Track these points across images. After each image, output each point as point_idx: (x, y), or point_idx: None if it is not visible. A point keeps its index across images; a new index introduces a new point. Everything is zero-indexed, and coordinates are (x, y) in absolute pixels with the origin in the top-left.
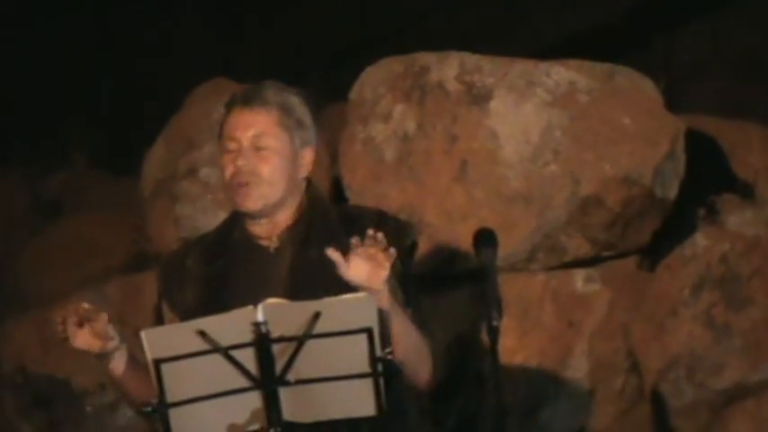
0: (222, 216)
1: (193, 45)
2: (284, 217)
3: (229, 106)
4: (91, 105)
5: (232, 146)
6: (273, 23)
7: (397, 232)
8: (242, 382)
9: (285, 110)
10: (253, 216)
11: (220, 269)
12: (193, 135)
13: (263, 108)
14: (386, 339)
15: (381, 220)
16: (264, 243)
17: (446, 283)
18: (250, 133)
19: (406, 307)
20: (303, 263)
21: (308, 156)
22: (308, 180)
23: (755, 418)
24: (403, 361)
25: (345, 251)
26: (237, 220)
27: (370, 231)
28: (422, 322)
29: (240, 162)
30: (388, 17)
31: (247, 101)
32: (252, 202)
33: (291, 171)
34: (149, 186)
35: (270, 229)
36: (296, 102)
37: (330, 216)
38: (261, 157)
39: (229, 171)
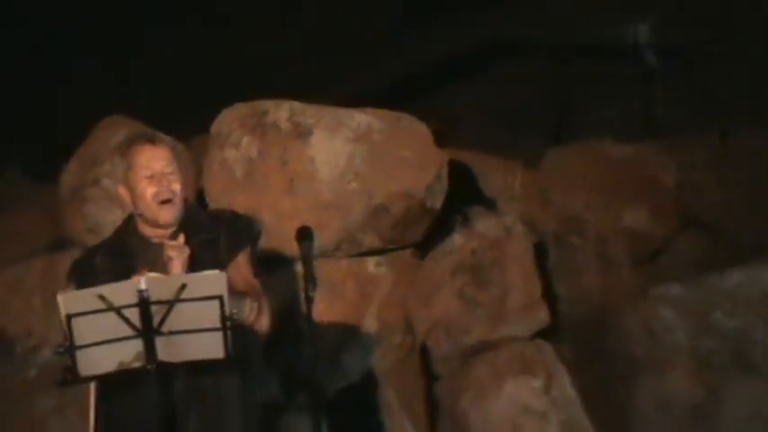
0: (118, 213)
1: (95, 87)
2: None
3: (133, 144)
4: (23, 129)
5: (150, 173)
6: (158, 71)
7: (248, 224)
8: (129, 331)
9: (173, 150)
10: (164, 226)
11: (126, 264)
12: (97, 155)
13: (164, 145)
14: (233, 303)
15: (236, 216)
16: (156, 241)
17: (277, 266)
18: (162, 162)
19: (255, 276)
20: (191, 248)
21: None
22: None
23: (492, 365)
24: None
25: (213, 238)
26: (131, 226)
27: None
28: (264, 286)
29: (164, 182)
30: (239, 73)
31: (151, 140)
32: (171, 216)
33: (184, 193)
34: (66, 192)
35: (161, 233)
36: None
37: (201, 217)
38: (171, 180)
39: (152, 191)
